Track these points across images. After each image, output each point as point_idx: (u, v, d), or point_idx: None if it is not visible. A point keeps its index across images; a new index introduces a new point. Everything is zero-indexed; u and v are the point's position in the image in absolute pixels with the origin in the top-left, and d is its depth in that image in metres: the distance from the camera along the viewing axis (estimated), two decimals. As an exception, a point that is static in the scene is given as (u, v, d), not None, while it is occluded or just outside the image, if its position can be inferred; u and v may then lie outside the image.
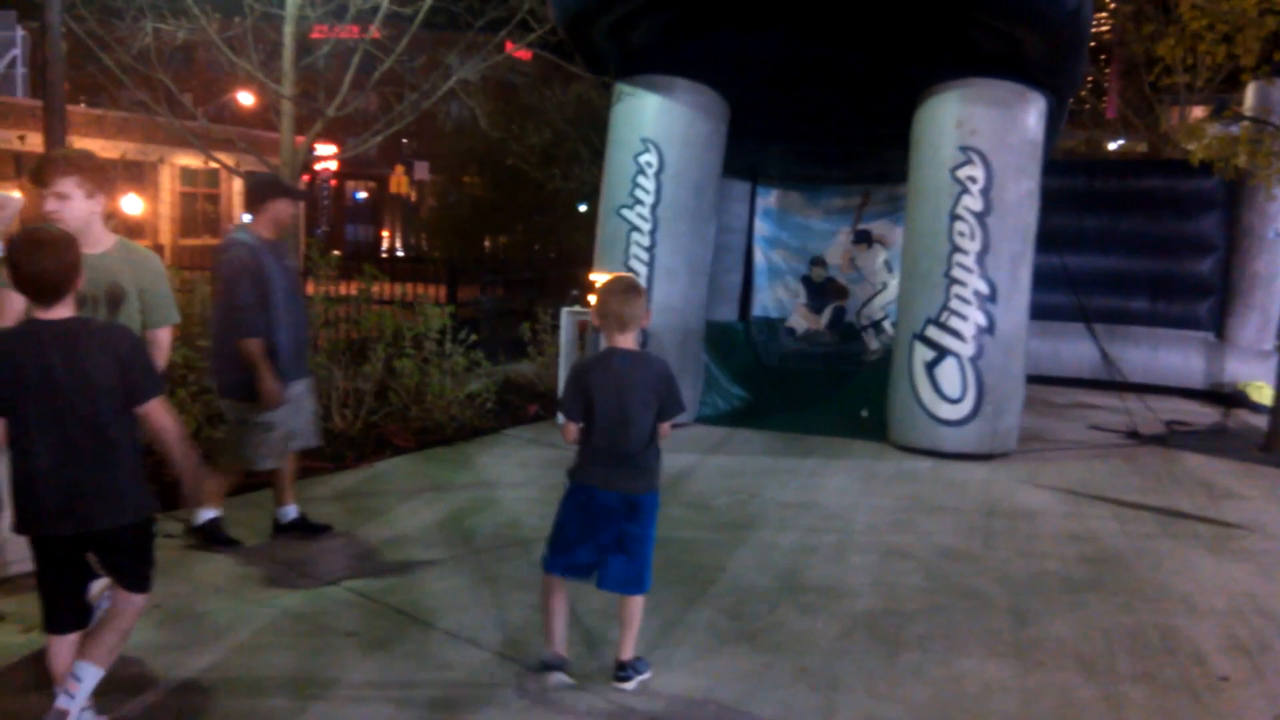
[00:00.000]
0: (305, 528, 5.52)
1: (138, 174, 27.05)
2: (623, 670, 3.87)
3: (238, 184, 30.65)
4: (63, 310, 3.08)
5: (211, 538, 5.23)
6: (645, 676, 3.89)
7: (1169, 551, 5.93)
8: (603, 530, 3.77)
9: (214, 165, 28.26)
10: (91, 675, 3.16)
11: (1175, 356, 11.98)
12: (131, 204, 25.42)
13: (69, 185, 3.61)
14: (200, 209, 30.36)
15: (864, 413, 8.52)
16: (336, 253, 10.02)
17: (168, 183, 28.39)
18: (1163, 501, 7.07)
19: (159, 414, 3.22)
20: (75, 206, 3.61)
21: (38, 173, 3.64)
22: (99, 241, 3.71)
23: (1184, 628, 4.73)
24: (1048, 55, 8.04)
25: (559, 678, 3.80)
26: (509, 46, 9.07)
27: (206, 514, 5.24)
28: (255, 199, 5.28)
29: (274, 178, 5.60)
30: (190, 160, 28.33)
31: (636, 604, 3.87)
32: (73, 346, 3.06)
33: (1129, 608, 4.96)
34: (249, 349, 4.97)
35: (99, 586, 3.44)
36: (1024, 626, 4.68)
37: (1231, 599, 5.15)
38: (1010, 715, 3.80)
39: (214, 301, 5.24)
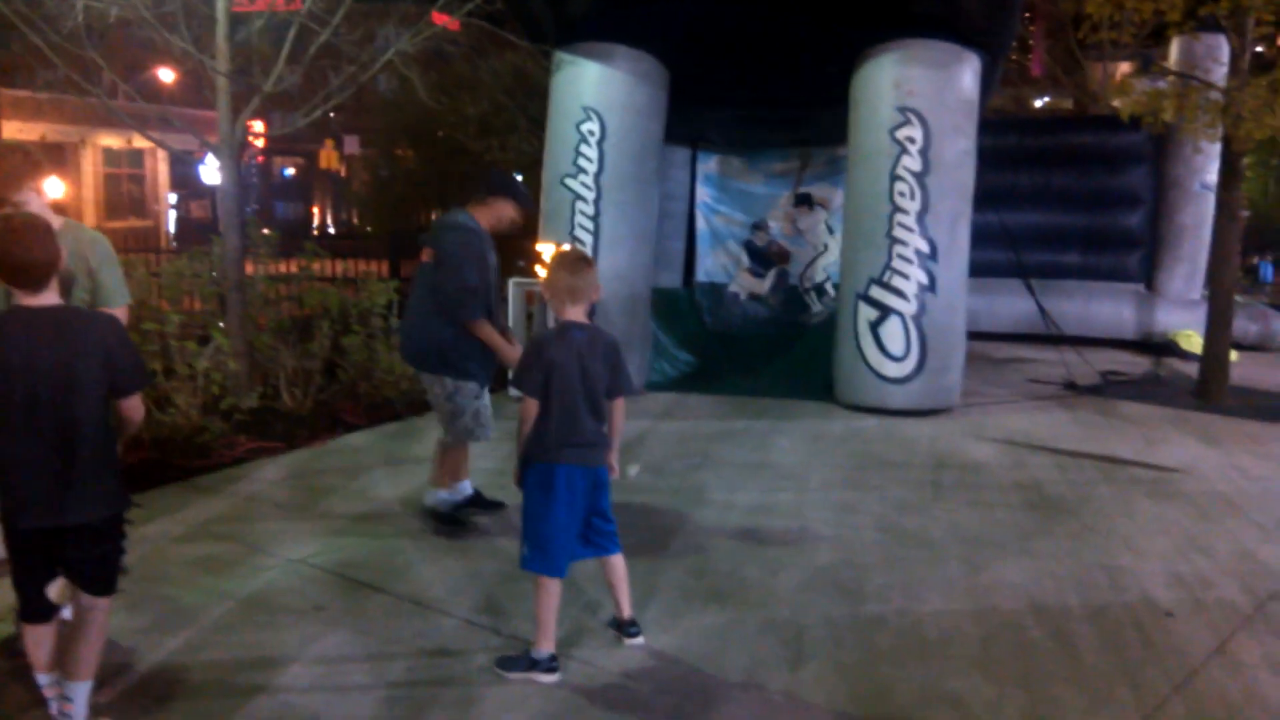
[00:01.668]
0: (482, 503, 5.55)
1: (58, 156, 26.29)
2: (633, 626, 3.99)
3: (163, 164, 30.05)
4: (49, 297, 3.04)
5: (446, 520, 5.32)
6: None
7: (1110, 496, 6.14)
8: (579, 509, 3.79)
9: (138, 145, 27.89)
10: (81, 692, 3.15)
11: (1107, 308, 12.29)
12: (54, 187, 24.78)
13: (27, 193, 3.59)
14: (125, 190, 29.65)
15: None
16: (266, 231, 9.85)
17: (90, 165, 27.67)
18: (1102, 449, 7.29)
19: (135, 407, 3.21)
20: (32, 205, 3.58)
21: None
22: None
23: (1129, 568, 4.92)
24: (981, 15, 8.17)
25: (557, 676, 3.72)
26: (442, 19, 8.96)
27: (438, 495, 5.34)
28: (486, 190, 5.24)
29: (513, 180, 5.50)
30: (113, 140, 27.62)
31: (621, 561, 3.96)
32: (61, 334, 3.01)
33: (1075, 551, 5.14)
34: (481, 330, 5.02)
35: (55, 590, 3.37)
36: (977, 573, 4.83)
37: (1172, 539, 5.35)
38: (969, 657, 3.94)
39: (425, 279, 5.16)
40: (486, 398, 5.33)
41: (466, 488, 5.53)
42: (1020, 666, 3.87)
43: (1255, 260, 19.25)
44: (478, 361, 5.17)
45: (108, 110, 7.94)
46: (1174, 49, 11.54)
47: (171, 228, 31.10)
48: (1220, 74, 9.90)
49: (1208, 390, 9.06)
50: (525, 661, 3.71)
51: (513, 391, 8.16)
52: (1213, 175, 10.58)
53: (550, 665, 3.70)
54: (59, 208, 3.81)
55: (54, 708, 3.20)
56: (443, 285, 5.04)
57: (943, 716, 3.50)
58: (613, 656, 3.89)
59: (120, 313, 3.97)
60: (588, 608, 4.30)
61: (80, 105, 23.45)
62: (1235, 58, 8.75)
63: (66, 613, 3.37)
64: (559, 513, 3.74)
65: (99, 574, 3.19)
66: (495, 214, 5.24)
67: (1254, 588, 4.68)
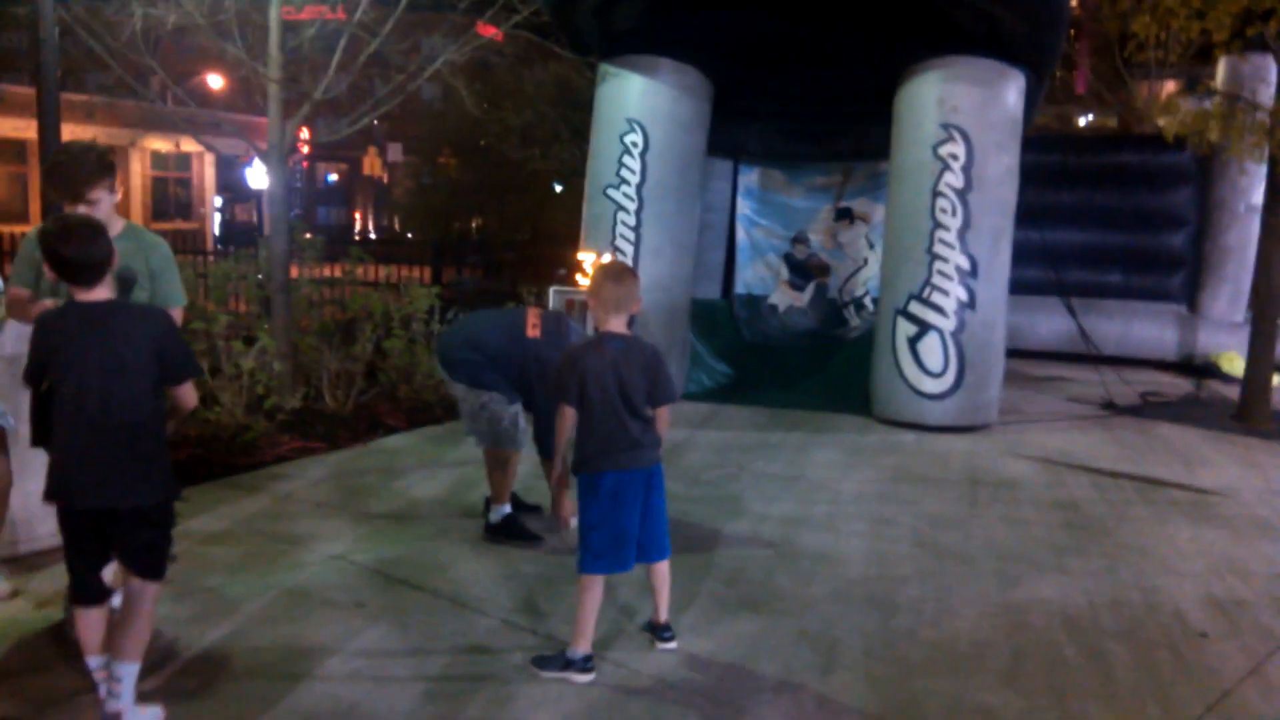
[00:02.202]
0: (519, 506, 5.61)
1: (110, 159, 26.77)
2: (667, 630, 4.06)
3: (210, 167, 30.50)
4: (102, 292, 3.20)
5: (514, 533, 5.30)
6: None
7: (1147, 517, 6.11)
8: (635, 510, 3.85)
9: (185, 149, 28.34)
10: (130, 672, 3.24)
11: (1148, 329, 12.19)
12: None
13: (101, 191, 3.68)
14: (172, 193, 30.14)
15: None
16: (309, 235, 10.02)
17: (138, 167, 28.15)
18: (1140, 470, 7.26)
19: (189, 395, 3.38)
20: (103, 207, 3.68)
21: (69, 184, 3.63)
22: (111, 227, 3.77)
23: (1164, 588, 4.90)
24: (1026, 33, 8.17)
25: (592, 676, 3.77)
26: (489, 30, 9.08)
27: (504, 510, 5.34)
28: None
29: None
30: (161, 144, 28.09)
31: (666, 567, 4.04)
32: (111, 327, 3.17)
33: (1111, 571, 5.13)
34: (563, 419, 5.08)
35: (110, 574, 3.50)
36: (1011, 589, 4.84)
37: (1208, 561, 5.33)
38: (1001, 672, 3.96)
39: (513, 329, 5.25)
40: (519, 407, 5.35)
41: None
42: (1052, 682, 3.88)
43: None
44: (506, 386, 5.22)
45: (161, 114, 8.14)
46: (1221, 69, 11.45)
47: (216, 230, 31.57)
48: (1268, 95, 9.84)
49: (1249, 413, 8.97)
50: (561, 661, 3.77)
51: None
52: (1258, 196, 10.50)
53: (586, 665, 3.75)
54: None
55: (103, 690, 3.29)
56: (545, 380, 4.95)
57: (973, 728, 3.52)
58: (647, 659, 3.95)
59: (176, 314, 4.07)
60: (624, 611, 4.37)
61: (131, 109, 23.91)
62: (1283, 79, 8.70)
63: (116, 600, 3.48)
64: (611, 516, 3.80)
65: (150, 558, 3.30)
66: None
67: (1291, 611, 4.66)
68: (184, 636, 3.98)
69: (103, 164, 3.70)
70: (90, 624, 3.33)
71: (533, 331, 5.19)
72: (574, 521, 4.24)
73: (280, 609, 4.31)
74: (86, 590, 3.33)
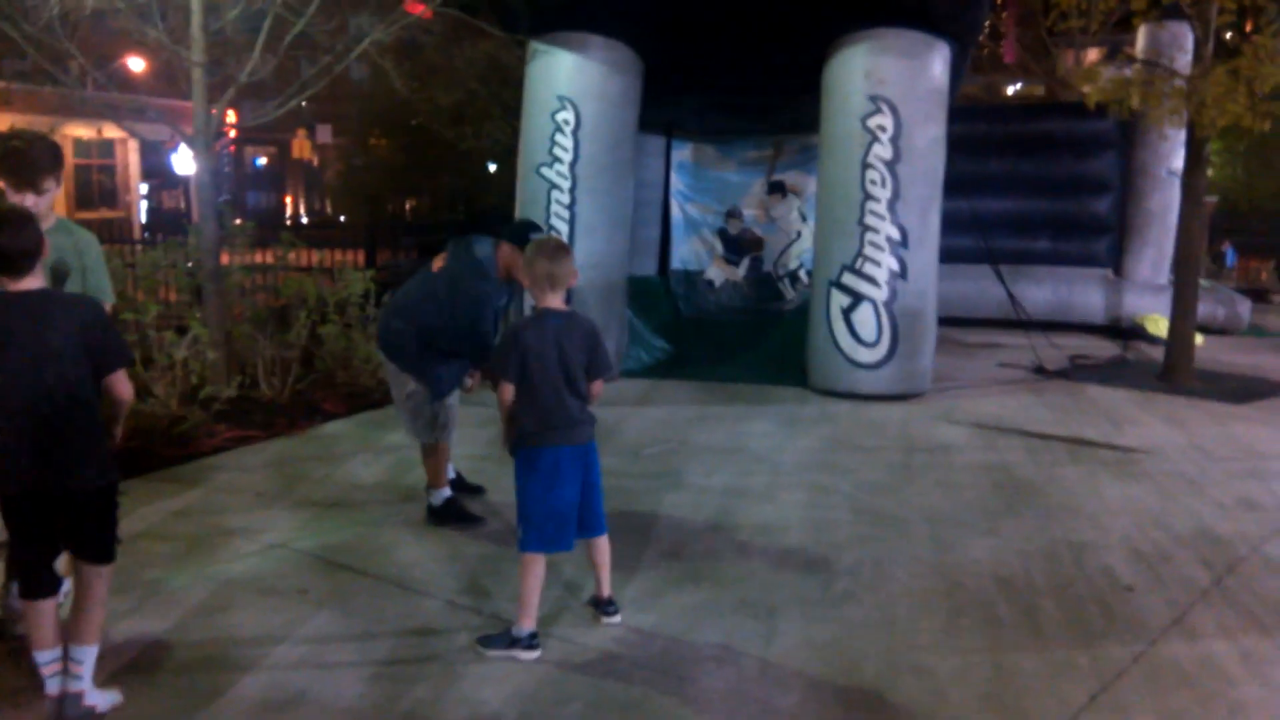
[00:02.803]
0: (463, 486, 5.66)
1: (28, 146, 26.02)
2: (610, 605, 4.11)
3: (135, 154, 29.84)
4: (33, 281, 3.19)
5: (455, 516, 5.29)
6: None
7: (1076, 477, 6.29)
8: (575, 487, 3.89)
9: (108, 135, 27.67)
10: (89, 654, 3.31)
11: (1076, 293, 12.48)
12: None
13: (51, 181, 3.65)
14: (96, 180, 29.46)
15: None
16: (239, 221, 9.89)
17: (60, 155, 27.41)
18: (1069, 431, 7.45)
19: (122, 384, 3.36)
20: (49, 198, 3.66)
21: (24, 172, 3.58)
22: (46, 219, 3.72)
23: (1092, 544, 5.06)
24: (951, 4, 8.28)
25: (538, 653, 3.80)
26: (417, 8, 8.98)
27: (443, 494, 5.31)
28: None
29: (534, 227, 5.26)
30: (83, 131, 27.38)
31: (606, 542, 4.10)
32: (42, 315, 3.17)
33: (1041, 530, 5.28)
34: (503, 391, 5.00)
35: (63, 563, 3.49)
36: (946, 551, 4.96)
37: (1135, 517, 5.51)
38: (937, 630, 4.07)
39: (429, 287, 5.21)
40: (452, 400, 5.34)
41: (449, 469, 5.62)
42: (985, 639, 4.00)
43: (1223, 246, 19.51)
44: (446, 373, 5.22)
45: (82, 100, 7.95)
46: (1140, 37, 11.69)
47: (143, 218, 30.91)
48: (1185, 62, 10.05)
49: (1173, 373, 9.24)
50: (506, 639, 3.81)
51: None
52: (1179, 161, 10.75)
53: (531, 643, 3.79)
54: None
55: (53, 686, 3.28)
56: (458, 321, 5.03)
57: (910, 685, 3.62)
58: (592, 634, 4.00)
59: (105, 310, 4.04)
60: (568, 588, 4.41)
61: (50, 95, 23.25)
62: (1199, 45, 8.91)
63: (66, 584, 3.50)
64: (551, 492, 3.84)
65: (99, 543, 3.35)
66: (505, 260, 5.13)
67: (1212, 562, 4.84)
68: (126, 631, 3.94)
69: (55, 154, 3.71)
70: (42, 617, 3.31)
71: (437, 264, 5.24)
72: None
73: (223, 599, 4.29)
74: (37, 583, 3.32)
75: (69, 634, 3.33)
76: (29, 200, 3.56)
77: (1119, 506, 5.69)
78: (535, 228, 5.16)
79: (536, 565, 3.85)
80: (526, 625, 3.81)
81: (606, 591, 4.13)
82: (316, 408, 7.71)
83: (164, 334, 7.35)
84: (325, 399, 7.92)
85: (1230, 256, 19.50)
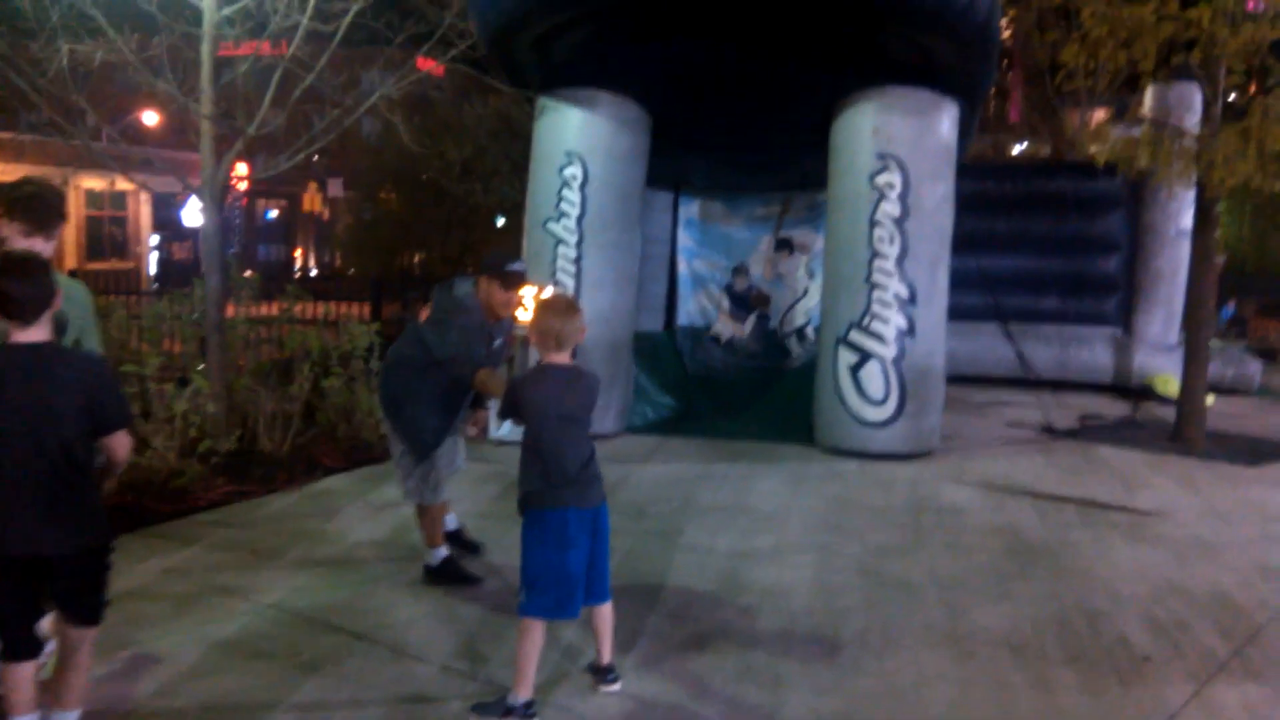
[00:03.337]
0: (461, 543, 5.56)
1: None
2: (610, 672, 3.98)
3: (146, 206, 30.03)
4: (39, 332, 3.13)
5: (452, 576, 5.18)
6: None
7: (1089, 540, 6.15)
8: (582, 551, 3.78)
9: (120, 187, 27.87)
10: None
11: (1085, 353, 12.37)
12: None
13: (59, 228, 3.68)
14: (107, 232, 29.62)
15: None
16: (249, 273, 9.88)
17: (73, 206, 27.61)
18: (1080, 492, 7.32)
19: (121, 445, 3.29)
20: (53, 246, 3.66)
21: (42, 217, 3.60)
22: None
23: (1107, 612, 4.92)
24: (959, 63, 8.29)
25: None
26: (427, 64, 9.06)
27: (439, 554, 5.21)
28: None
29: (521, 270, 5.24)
30: (95, 182, 27.63)
31: (609, 609, 3.98)
32: (46, 370, 3.11)
33: (1054, 595, 5.15)
34: (476, 378, 4.96)
35: (47, 624, 3.41)
36: (956, 618, 4.83)
37: (1150, 583, 5.36)
38: (947, 702, 3.93)
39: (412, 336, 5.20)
40: (442, 458, 5.20)
41: (451, 521, 5.52)
42: (998, 712, 3.86)
43: (1231, 304, 19.36)
44: (438, 423, 5.11)
45: (91, 153, 7.97)
46: (1148, 96, 11.70)
47: (153, 269, 31.07)
48: (1193, 121, 10.07)
49: (1184, 434, 9.11)
50: (501, 707, 3.68)
51: (493, 434, 8.16)
52: (1188, 221, 10.72)
53: (527, 712, 3.67)
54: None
55: None
56: (448, 349, 4.95)
57: (921, 763, 3.49)
58: (590, 702, 3.87)
59: None
60: (567, 653, 4.28)
61: (63, 147, 23.48)
62: (1207, 105, 8.89)
63: (50, 646, 3.41)
64: (556, 556, 3.73)
65: (88, 606, 3.27)
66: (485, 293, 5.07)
67: (1231, 632, 4.69)
68: (109, 696, 3.82)
69: (63, 201, 3.77)
70: (21, 681, 3.22)
71: (423, 314, 5.20)
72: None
73: (213, 662, 4.17)
74: (19, 645, 3.23)
75: (51, 698, 3.23)
76: (38, 245, 3.54)
77: (1133, 572, 5.56)
78: (510, 258, 5.13)
79: (535, 631, 3.73)
80: (523, 694, 3.68)
81: (607, 659, 4.01)
82: (316, 462, 7.61)
83: (165, 386, 7.28)
84: (326, 453, 7.83)
85: (1225, 312, 19.30)
